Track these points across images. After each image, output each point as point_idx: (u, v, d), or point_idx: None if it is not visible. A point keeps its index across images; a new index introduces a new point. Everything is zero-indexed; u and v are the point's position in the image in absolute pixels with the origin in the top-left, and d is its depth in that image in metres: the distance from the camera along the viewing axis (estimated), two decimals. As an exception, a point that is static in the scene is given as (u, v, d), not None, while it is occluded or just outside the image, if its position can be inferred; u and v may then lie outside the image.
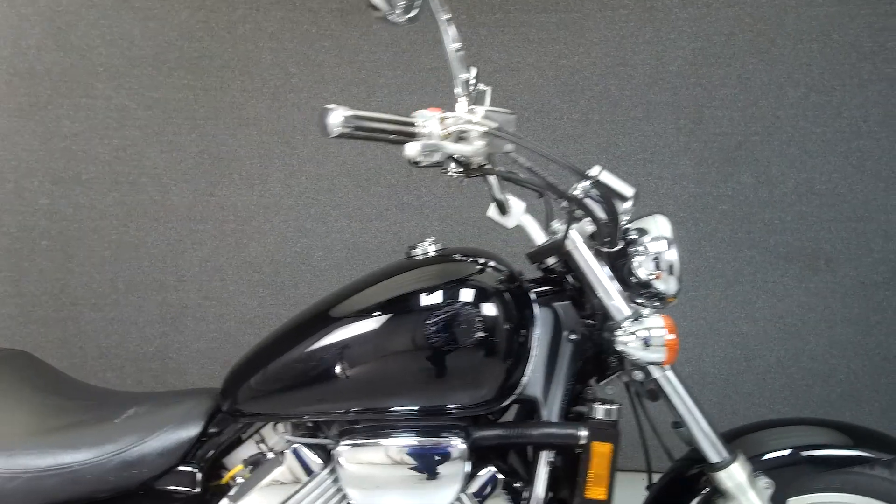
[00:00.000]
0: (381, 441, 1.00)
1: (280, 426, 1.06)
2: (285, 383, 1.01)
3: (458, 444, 1.00)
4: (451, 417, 1.02)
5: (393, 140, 0.93)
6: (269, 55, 2.34)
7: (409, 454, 0.99)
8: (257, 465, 1.03)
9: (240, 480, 1.03)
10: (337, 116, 0.89)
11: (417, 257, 1.10)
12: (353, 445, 0.99)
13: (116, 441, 1.01)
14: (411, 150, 0.93)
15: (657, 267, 1.01)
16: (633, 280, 1.02)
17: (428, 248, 1.10)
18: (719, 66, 2.28)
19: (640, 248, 1.01)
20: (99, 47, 2.32)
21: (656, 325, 0.97)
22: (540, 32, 2.32)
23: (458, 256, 1.10)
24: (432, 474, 0.98)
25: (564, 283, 1.09)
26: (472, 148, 0.99)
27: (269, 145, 2.36)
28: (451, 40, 1.05)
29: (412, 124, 0.94)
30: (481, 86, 1.09)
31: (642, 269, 1.01)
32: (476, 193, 2.35)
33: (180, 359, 2.40)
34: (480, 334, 0.99)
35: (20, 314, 2.39)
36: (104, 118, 2.34)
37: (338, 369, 0.99)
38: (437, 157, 0.96)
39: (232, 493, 1.02)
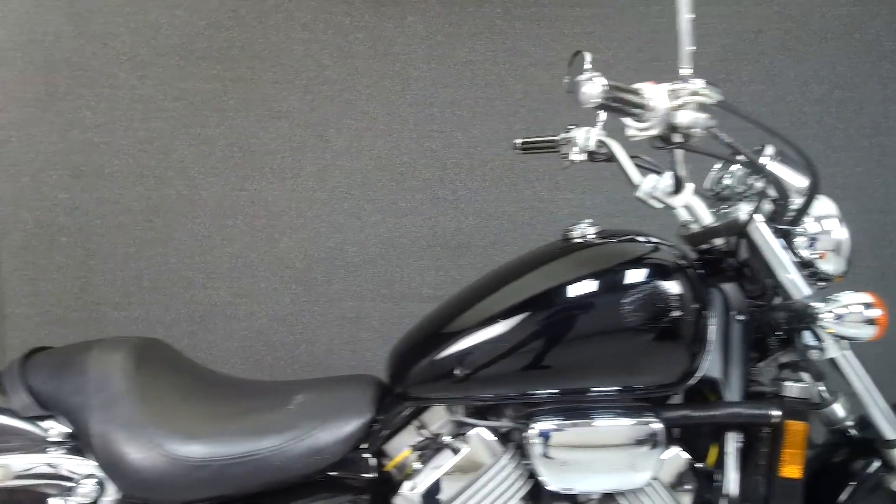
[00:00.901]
0: (578, 423, 0.99)
1: (445, 410, 1.02)
2: (469, 367, 0.98)
3: (655, 425, 0.99)
4: (639, 399, 1.01)
5: (630, 112, 0.94)
6: (301, 46, 2.28)
7: (607, 435, 0.98)
8: (426, 450, 1.00)
9: (416, 466, 0.99)
10: (595, 86, 0.90)
11: (577, 238, 1.08)
12: (548, 428, 0.97)
13: (298, 427, 0.97)
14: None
15: (822, 246, 1.03)
16: (797, 260, 1.03)
17: (587, 229, 1.09)
18: (748, 63, 2.34)
19: (804, 229, 1.03)
20: (122, 35, 2.22)
21: (861, 301, 0.99)
22: (574, 26, 2.34)
23: (631, 238, 1.09)
24: (629, 455, 0.98)
25: (724, 264, 1.09)
26: (694, 118, 0.99)
27: (301, 138, 2.31)
28: (686, 10, 1.03)
29: (642, 96, 0.95)
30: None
31: (808, 248, 1.03)
32: (510, 188, 2.36)
33: (210, 358, 2.32)
34: (675, 313, 0.99)
35: (37, 314, 2.28)
36: (128, 109, 2.24)
37: (534, 351, 0.97)
38: (656, 131, 0.97)
39: (413, 478, 0.98)
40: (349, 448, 0.99)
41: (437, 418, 1.04)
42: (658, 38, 2.32)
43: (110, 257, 2.28)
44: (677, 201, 1.07)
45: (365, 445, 1.02)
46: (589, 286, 1.01)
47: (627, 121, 1.00)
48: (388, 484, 1.01)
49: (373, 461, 1.00)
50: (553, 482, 0.98)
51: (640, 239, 1.09)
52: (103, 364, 0.97)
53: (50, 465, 0.92)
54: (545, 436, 0.98)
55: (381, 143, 2.33)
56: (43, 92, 2.21)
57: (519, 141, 1.33)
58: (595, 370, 1.00)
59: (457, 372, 0.99)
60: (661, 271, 1.02)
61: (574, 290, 1.01)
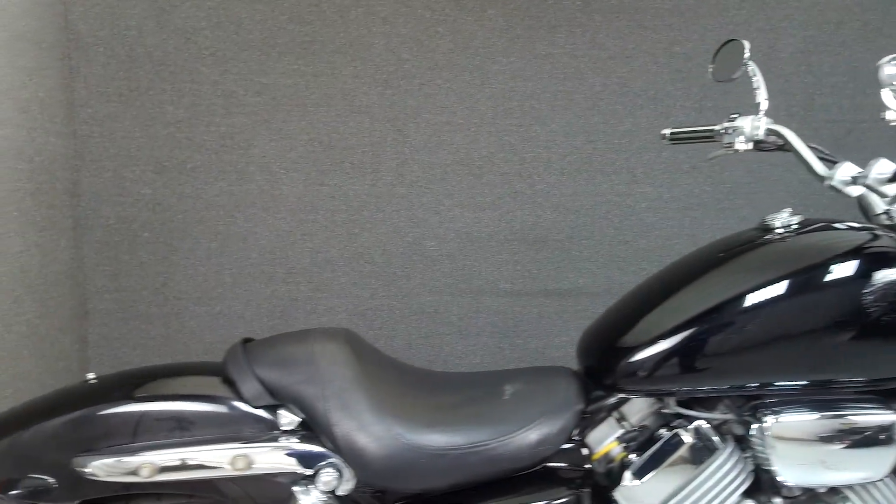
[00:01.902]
0: (814, 414, 0.97)
1: (650, 403, 1.01)
2: (697, 360, 0.96)
3: (892, 416, 0.97)
4: (871, 392, 0.99)
5: None
6: (381, 40, 2.27)
7: (845, 428, 0.97)
8: (633, 442, 1.00)
9: (630, 458, 0.98)
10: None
11: (778, 228, 1.05)
12: (783, 421, 0.96)
13: (522, 417, 0.97)
14: None
15: None
16: None
17: (789, 219, 1.07)
18: (829, 55, 2.33)
19: None
20: (204, 30, 2.22)
21: None
22: (654, 19, 2.32)
23: (840, 226, 1.06)
24: (867, 449, 0.96)
25: None
26: None
27: (380, 133, 2.30)
28: None
29: None
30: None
31: None
32: (588, 181, 2.36)
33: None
34: None
35: (119, 309, 2.28)
36: (210, 104, 2.24)
37: (776, 341, 0.95)
38: None
39: (630, 469, 0.97)
40: (566, 438, 0.99)
41: (638, 410, 1.03)
42: (738, 30, 2.31)
43: (192, 253, 2.28)
44: (853, 192, 1.06)
45: (576, 437, 1.02)
46: (828, 273, 0.99)
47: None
48: (589, 478, 1.01)
49: (585, 452, 1.00)
50: (788, 476, 0.97)
51: (855, 225, 1.07)
52: (331, 354, 0.97)
53: (287, 454, 0.92)
54: (779, 427, 0.96)
55: (460, 138, 2.32)
56: (125, 87, 2.21)
57: (667, 131, 1.31)
58: (839, 361, 0.98)
59: (676, 365, 0.97)
60: (891, 259, 1.00)
61: (814, 277, 0.98)
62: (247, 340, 1.04)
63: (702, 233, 2.35)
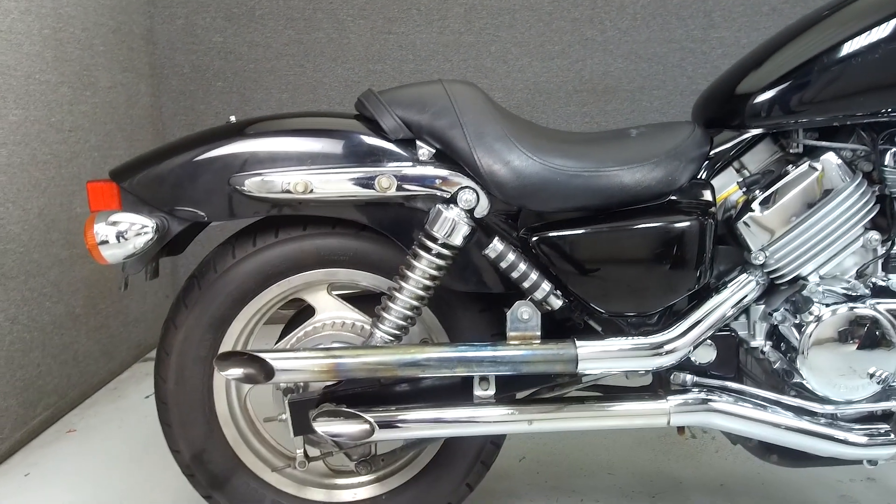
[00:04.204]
0: None
1: (772, 147, 1.01)
2: (828, 88, 0.94)
3: None
4: None
5: None
6: None
7: None
8: (755, 185, 1.01)
9: (757, 193, 0.99)
10: None
11: None
12: None
13: (650, 151, 0.99)
14: None
15: None
16: None
17: None
18: None
19: None
20: None
21: None
22: None
23: None
24: None
25: None
26: None
27: (449, -23, 2.26)
28: None
29: None
30: None
31: None
32: (661, 27, 2.29)
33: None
34: None
35: (196, 160, 2.35)
36: (277, -52, 2.22)
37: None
38: None
39: (758, 201, 0.99)
40: (690, 178, 1.01)
41: (759, 159, 1.04)
42: None
43: (264, 103, 2.31)
44: None
45: (701, 178, 1.03)
46: None
47: None
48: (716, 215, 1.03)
49: (709, 192, 1.02)
50: None
51: None
52: (463, 91, 1.01)
53: (429, 177, 0.96)
54: None
55: (530, -18, 2.26)
56: (193, -69, 2.19)
57: None
58: None
59: (809, 91, 0.95)
60: None
61: None
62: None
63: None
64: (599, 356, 0.97)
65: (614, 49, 2.32)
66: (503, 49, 2.32)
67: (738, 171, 1.06)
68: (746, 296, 1.02)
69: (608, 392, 1.10)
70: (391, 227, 1.01)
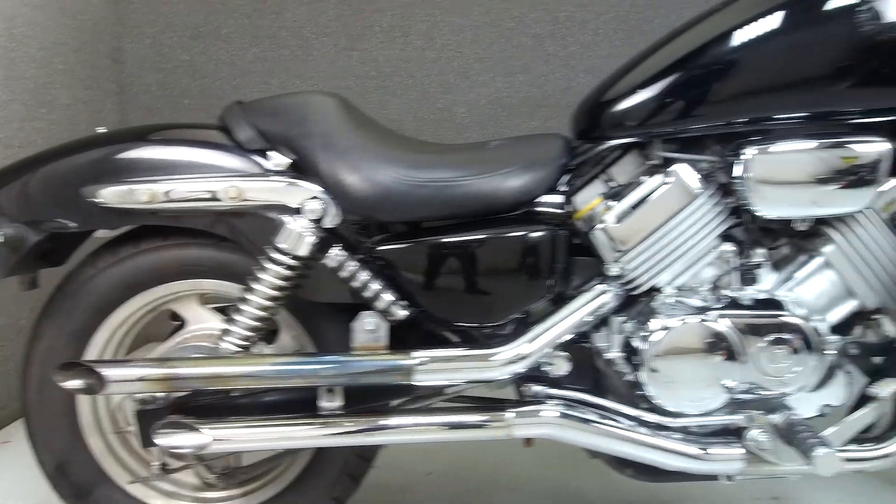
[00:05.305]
0: (794, 143, 0.92)
1: (638, 158, 0.99)
2: (686, 98, 0.92)
3: (881, 143, 0.91)
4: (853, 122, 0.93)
5: None
6: None
7: (826, 156, 0.92)
8: (618, 197, 0.98)
9: (613, 204, 0.96)
10: None
11: None
12: (765, 153, 0.92)
13: (504, 162, 1.00)
14: None
15: None
16: None
17: None
18: None
19: None
20: None
21: None
22: None
23: None
24: (849, 176, 0.92)
25: None
26: None
27: (410, -6, 2.27)
28: None
29: None
30: None
31: None
32: (623, 42, 2.26)
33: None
34: None
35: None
36: (241, -32, 2.27)
37: (771, 68, 0.89)
38: None
39: (611, 212, 0.97)
40: (548, 186, 0.99)
41: (625, 171, 1.01)
42: None
43: (229, 119, 2.35)
44: None
45: (563, 189, 1.02)
46: None
47: None
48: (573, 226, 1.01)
49: (568, 205, 1.00)
50: (765, 209, 0.94)
51: None
52: (320, 103, 1.02)
53: (276, 187, 0.97)
54: (761, 161, 0.92)
55: (492, -3, 2.26)
56: (161, -47, 2.26)
57: None
58: (835, 88, 0.91)
59: (656, 104, 0.93)
60: None
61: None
62: (238, 103, 1.08)
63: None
64: (436, 368, 0.95)
65: (576, 64, 2.30)
66: (466, 65, 2.32)
67: (605, 182, 1.04)
68: (602, 306, 0.99)
69: (477, 403, 1.07)
70: (244, 237, 1.02)
